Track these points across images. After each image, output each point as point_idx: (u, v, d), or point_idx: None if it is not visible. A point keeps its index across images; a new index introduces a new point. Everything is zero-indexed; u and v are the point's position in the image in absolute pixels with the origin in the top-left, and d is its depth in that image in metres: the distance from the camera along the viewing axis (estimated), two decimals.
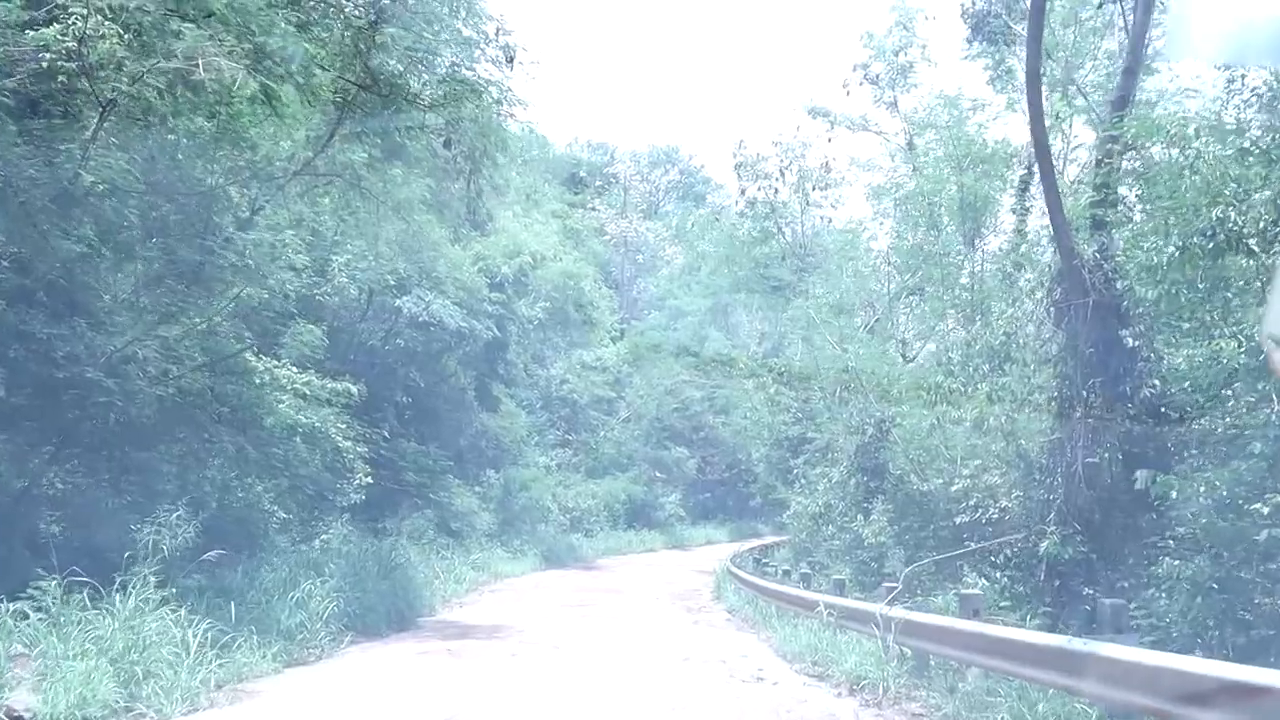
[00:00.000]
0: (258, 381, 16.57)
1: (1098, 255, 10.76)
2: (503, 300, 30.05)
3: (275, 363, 18.50)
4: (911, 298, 26.61)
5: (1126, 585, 9.64)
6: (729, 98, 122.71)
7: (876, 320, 24.77)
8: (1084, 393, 10.35)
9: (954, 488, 14.18)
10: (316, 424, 18.31)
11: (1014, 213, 20.12)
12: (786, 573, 18.39)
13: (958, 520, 13.80)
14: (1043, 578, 10.31)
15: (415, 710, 9.00)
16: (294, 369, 19.05)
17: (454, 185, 16.18)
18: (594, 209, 60.98)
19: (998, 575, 11.37)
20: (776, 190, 31.94)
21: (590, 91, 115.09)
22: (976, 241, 19.71)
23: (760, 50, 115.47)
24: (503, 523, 31.29)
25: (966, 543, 13.28)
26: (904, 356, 23.23)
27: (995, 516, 13.21)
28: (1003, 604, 9.92)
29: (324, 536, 18.50)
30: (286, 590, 12.64)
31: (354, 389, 20.03)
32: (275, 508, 17.05)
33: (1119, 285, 10.48)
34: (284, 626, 11.81)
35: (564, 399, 45.17)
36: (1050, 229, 11.08)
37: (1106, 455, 10.18)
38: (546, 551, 31.83)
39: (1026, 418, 11.87)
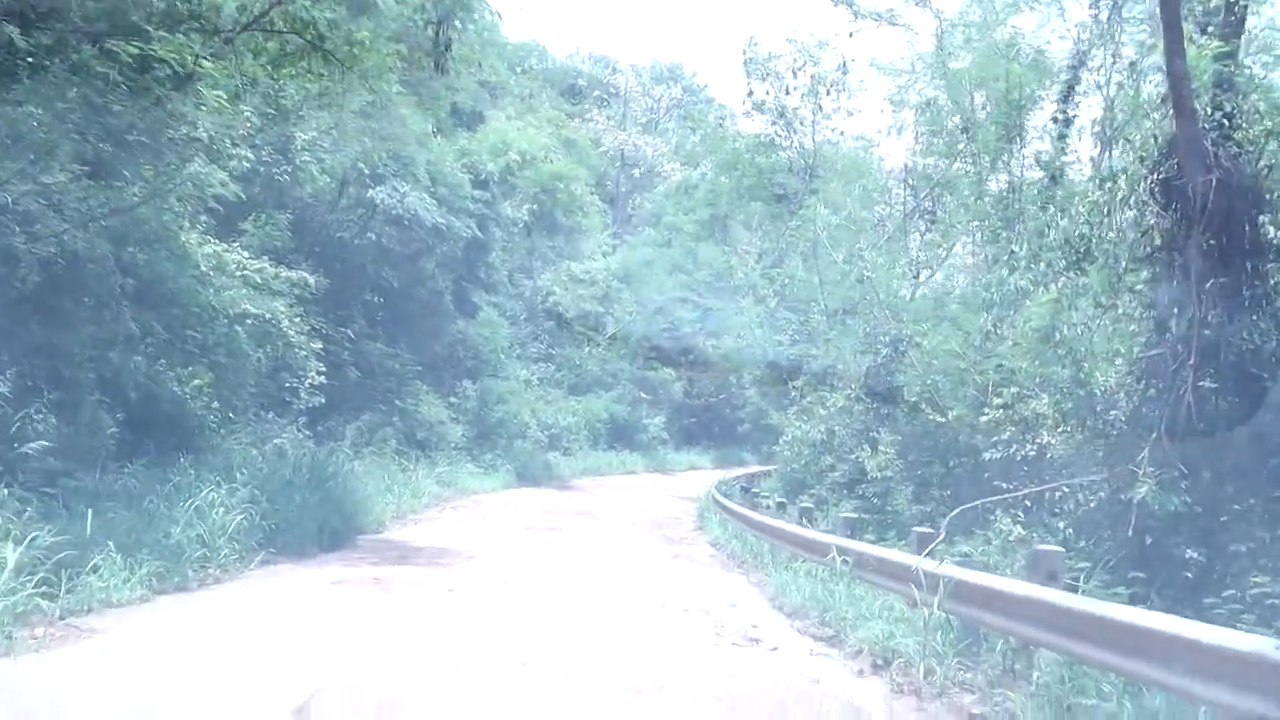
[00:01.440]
0: (200, 264, 14.81)
1: (1224, 120, 8.69)
2: (486, 199, 28.12)
3: (222, 245, 16.68)
4: (925, 218, 24.66)
5: (1244, 550, 7.80)
6: (737, 17, 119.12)
7: (888, 239, 22.74)
8: (1198, 296, 8.29)
9: (983, 418, 12.28)
10: (266, 315, 16.55)
11: (1055, 120, 18.00)
12: (782, 505, 16.50)
13: (987, 456, 11.91)
14: (1129, 533, 8.27)
15: (277, 672, 6.65)
16: (245, 254, 17.23)
17: (422, 35, 13.98)
18: (592, 120, 58.68)
19: (1060, 526, 9.41)
20: (788, 91, 29.64)
21: (594, 2, 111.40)
22: (1016, 144, 17.53)
23: None
24: (477, 436, 29.55)
25: (996, 484, 11.42)
26: (915, 278, 21.20)
27: (1032, 454, 11.33)
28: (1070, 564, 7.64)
29: (276, 441, 16.63)
30: (180, 498, 10.65)
31: (310, 279, 18.20)
32: (218, 406, 15.19)
33: (1254, 160, 8.42)
34: (171, 543, 9.83)
35: (549, 311, 43.27)
36: (1167, 76, 8.63)
37: (1222, 382, 8.19)
38: (521, 469, 30.15)
39: (1110, 329, 9.80)
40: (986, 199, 17.33)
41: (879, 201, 26.73)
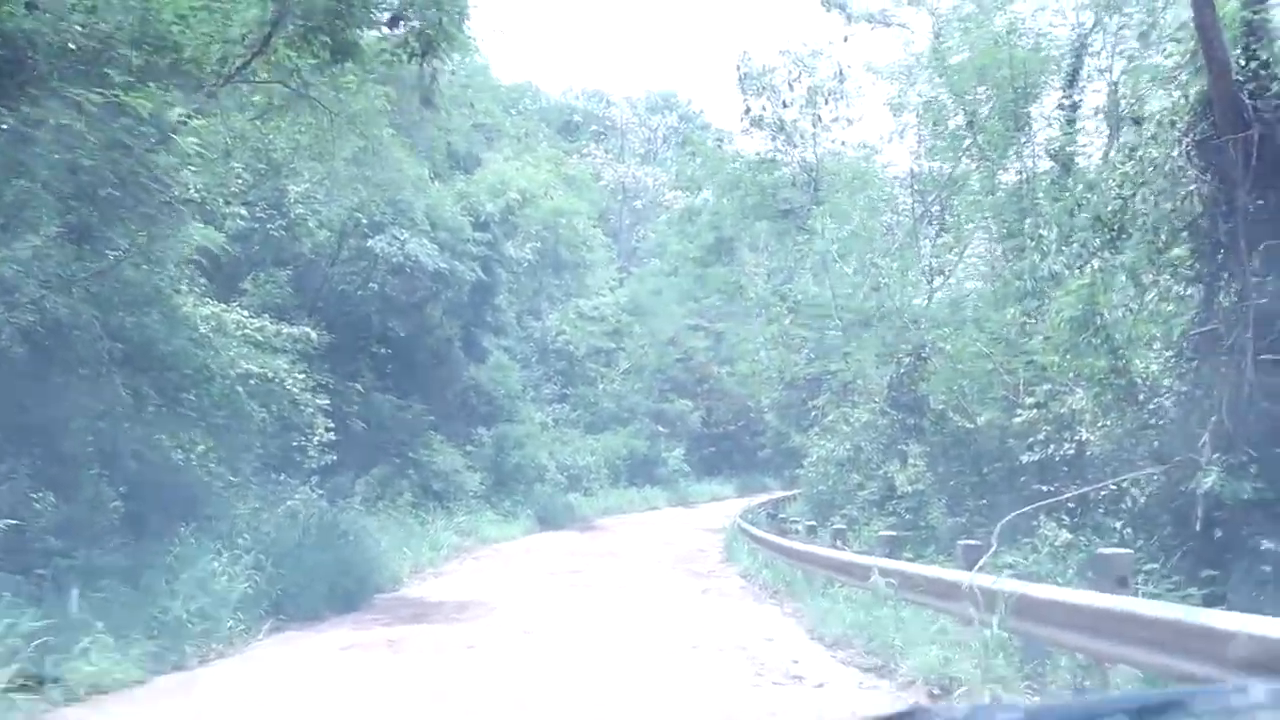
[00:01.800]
0: (199, 326, 14.41)
1: (1259, 70, 8.08)
2: (488, 241, 27.70)
3: (220, 306, 16.32)
4: (935, 223, 24.14)
5: None
6: (728, 39, 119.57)
7: (898, 247, 22.20)
8: (1247, 262, 7.62)
9: (1016, 419, 11.72)
10: (269, 374, 16.14)
11: (1061, 107, 17.47)
12: (812, 529, 15.90)
13: (1023, 459, 11.33)
14: (1198, 528, 7.62)
15: None
16: (244, 313, 16.86)
17: (406, 69, 13.64)
18: (590, 155, 58.50)
19: (1115, 527, 8.77)
20: (785, 104, 29.13)
21: (585, 39, 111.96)
22: (1026, 133, 16.96)
23: None
24: (495, 483, 29.02)
25: (1036, 487, 10.82)
26: (930, 284, 20.63)
27: (1070, 453, 10.76)
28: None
29: (289, 502, 16.16)
30: (181, 570, 10.11)
31: (313, 334, 17.81)
32: (222, 470, 14.73)
33: None
34: (169, 619, 9.27)
35: (560, 351, 42.84)
36: (1196, 34, 8.00)
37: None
38: (541, 512, 29.58)
39: (1152, 310, 9.17)
40: (1000, 192, 16.73)
41: (886, 210, 26.22)
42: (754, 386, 35.21)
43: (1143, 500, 8.64)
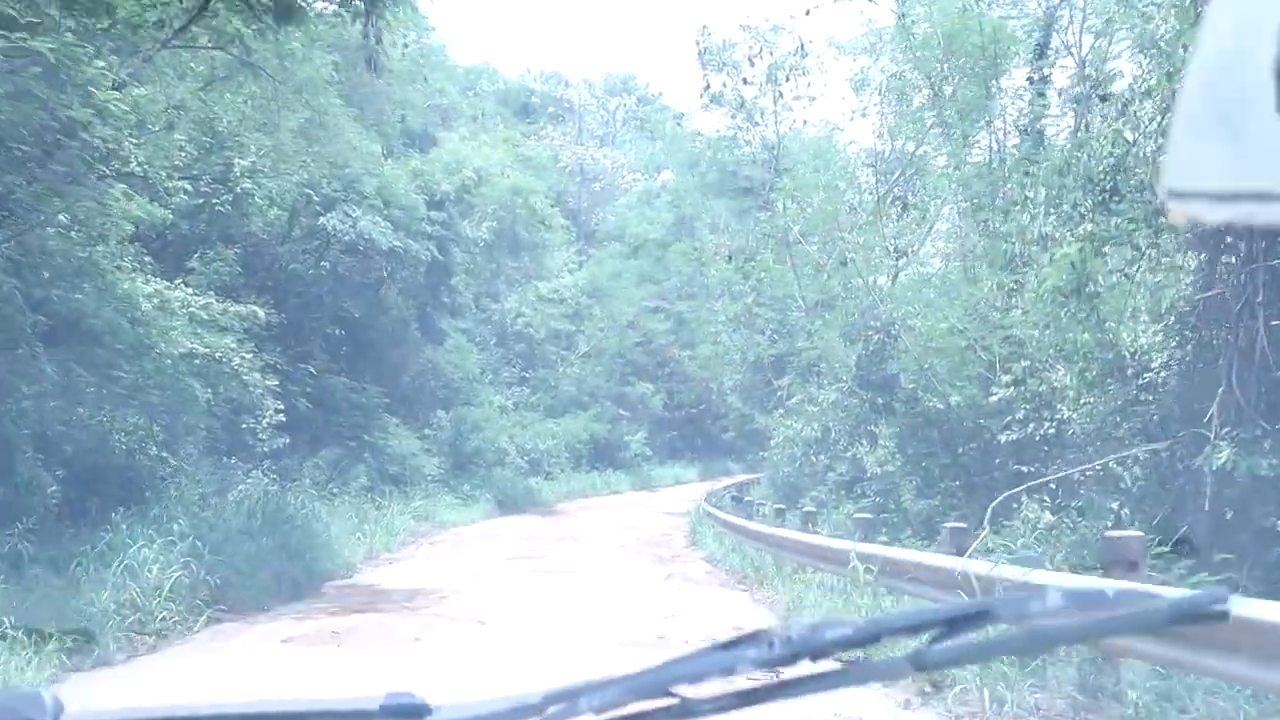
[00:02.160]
0: (143, 305, 13.77)
1: None
2: (443, 220, 27.00)
3: (164, 283, 15.67)
4: (897, 203, 23.76)
5: None
6: (685, 22, 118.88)
7: (862, 225, 21.77)
8: None
9: (992, 398, 11.32)
10: (216, 354, 15.52)
11: (1030, 80, 17.08)
12: (780, 512, 15.45)
13: (1001, 439, 10.93)
14: (1206, 507, 7.18)
15: None
16: (189, 290, 16.19)
17: (353, 37, 13.05)
18: (547, 137, 57.73)
19: (1112, 507, 8.29)
20: (746, 80, 28.57)
21: (542, 19, 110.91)
22: (995, 101, 16.54)
23: None
24: (453, 467, 28.45)
25: (1016, 468, 10.44)
26: (895, 262, 20.21)
27: (1051, 433, 10.37)
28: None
29: (241, 487, 15.55)
30: (113, 558, 9.47)
31: (260, 312, 17.15)
32: (165, 454, 14.09)
33: None
34: (95, 611, 8.61)
35: (519, 334, 42.19)
36: None
37: None
38: (502, 497, 29.03)
39: (1148, 277, 8.70)
40: (968, 166, 16.30)
41: (848, 189, 25.82)
42: (716, 368, 34.79)
43: (1140, 479, 8.20)
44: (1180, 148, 1.04)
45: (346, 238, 22.26)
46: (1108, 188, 8.78)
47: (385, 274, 25.45)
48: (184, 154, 16.89)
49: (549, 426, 39.55)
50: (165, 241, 18.58)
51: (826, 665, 1.30)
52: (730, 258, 28.44)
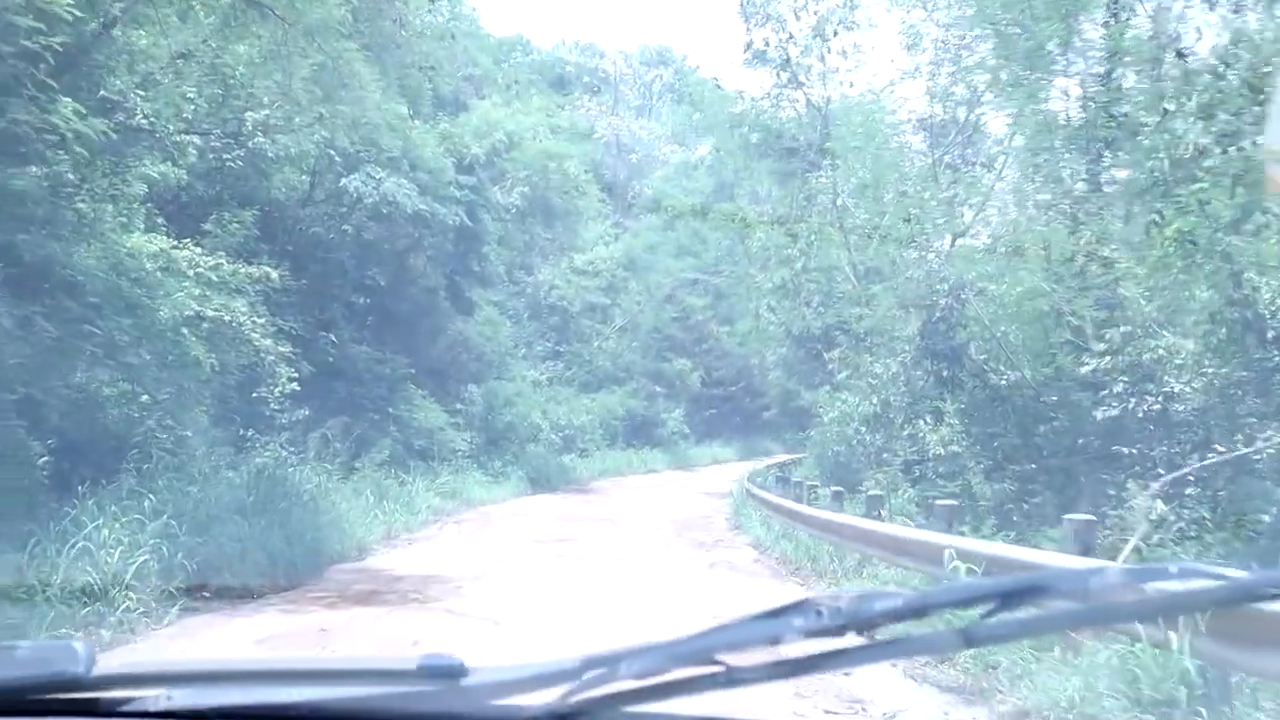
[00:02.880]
0: (147, 264, 12.78)
1: None
2: (473, 185, 25.80)
3: (171, 241, 14.65)
4: (950, 169, 22.28)
5: None
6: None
7: (918, 186, 20.28)
8: None
9: (1083, 369, 9.93)
10: (225, 316, 14.47)
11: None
12: (839, 495, 13.94)
13: (1098, 415, 9.54)
14: None
15: None
16: (197, 249, 15.13)
17: None
18: (583, 107, 56.43)
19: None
20: (791, 36, 27.01)
21: None
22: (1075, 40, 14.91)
23: None
24: (485, 443, 27.39)
25: (1114, 448, 9.07)
26: (960, 220, 18.67)
27: (1157, 409, 8.97)
28: None
29: (258, 460, 14.53)
30: (67, 540, 8.22)
31: (274, 273, 16.02)
32: (167, 422, 13.00)
33: None
34: (43, 597, 7.39)
35: (553, 307, 41.11)
36: None
37: None
38: (534, 474, 27.92)
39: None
40: (1042, 111, 14.63)
41: (900, 152, 24.29)
42: (757, 343, 33.34)
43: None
44: None
45: (370, 200, 21.10)
46: (1234, 111, 7.28)
47: (412, 240, 24.42)
48: (193, 106, 15.83)
49: (583, 402, 38.50)
50: (180, 204, 17.60)
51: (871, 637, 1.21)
52: (780, 220, 26.94)
